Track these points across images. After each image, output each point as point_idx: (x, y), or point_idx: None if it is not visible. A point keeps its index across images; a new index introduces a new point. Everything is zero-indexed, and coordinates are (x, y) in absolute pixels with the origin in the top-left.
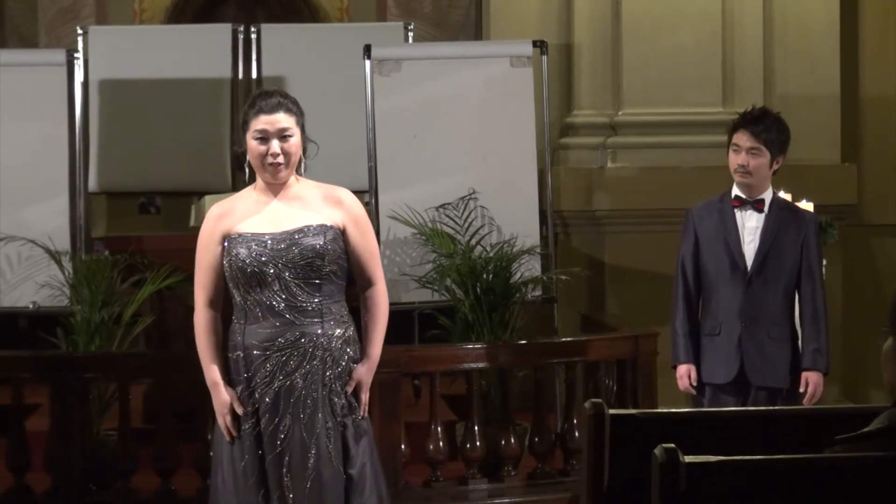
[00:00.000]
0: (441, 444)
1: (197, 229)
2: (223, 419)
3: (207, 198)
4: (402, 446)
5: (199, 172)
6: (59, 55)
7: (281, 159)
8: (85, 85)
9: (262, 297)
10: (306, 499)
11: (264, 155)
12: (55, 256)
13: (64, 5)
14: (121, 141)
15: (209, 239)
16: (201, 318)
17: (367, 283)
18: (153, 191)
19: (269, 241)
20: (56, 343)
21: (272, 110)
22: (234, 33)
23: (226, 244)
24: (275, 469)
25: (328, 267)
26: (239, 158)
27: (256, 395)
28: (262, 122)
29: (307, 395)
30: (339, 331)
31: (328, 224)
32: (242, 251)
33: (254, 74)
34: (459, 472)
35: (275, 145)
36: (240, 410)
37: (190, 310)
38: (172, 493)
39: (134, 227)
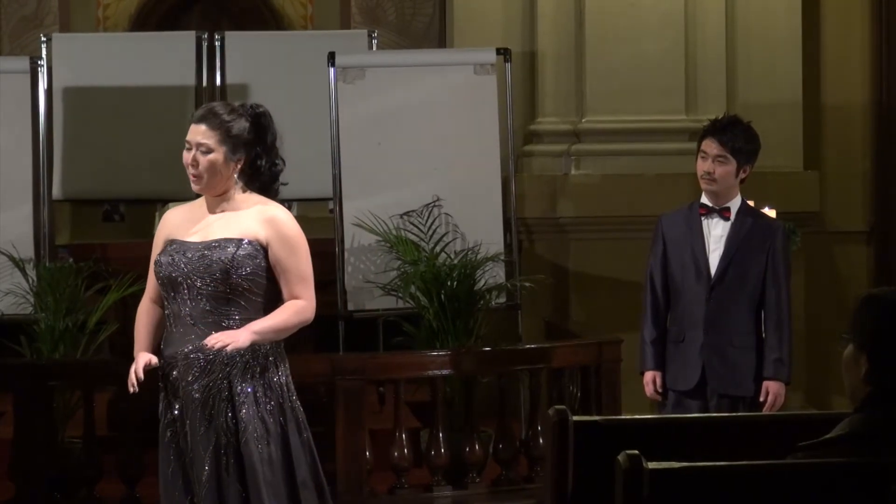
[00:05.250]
0: (406, 451)
1: None
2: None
3: (171, 205)
4: (367, 453)
5: (162, 180)
6: (23, 63)
7: (192, 171)
8: (48, 92)
9: (175, 306)
10: None
11: (187, 164)
12: (19, 264)
13: (27, 13)
14: (84, 148)
15: (157, 239)
16: (141, 305)
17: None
18: (117, 198)
19: (187, 252)
20: (20, 351)
21: (198, 121)
22: (199, 41)
23: None
24: (189, 476)
25: (239, 282)
26: None
27: (169, 404)
28: (190, 131)
29: (203, 408)
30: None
31: (246, 239)
32: (163, 258)
33: (218, 82)
34: (424, 480)
35: (189, 156)
36: (140, 374)
37: None
38: (137, 501)
39: (98, 235)
